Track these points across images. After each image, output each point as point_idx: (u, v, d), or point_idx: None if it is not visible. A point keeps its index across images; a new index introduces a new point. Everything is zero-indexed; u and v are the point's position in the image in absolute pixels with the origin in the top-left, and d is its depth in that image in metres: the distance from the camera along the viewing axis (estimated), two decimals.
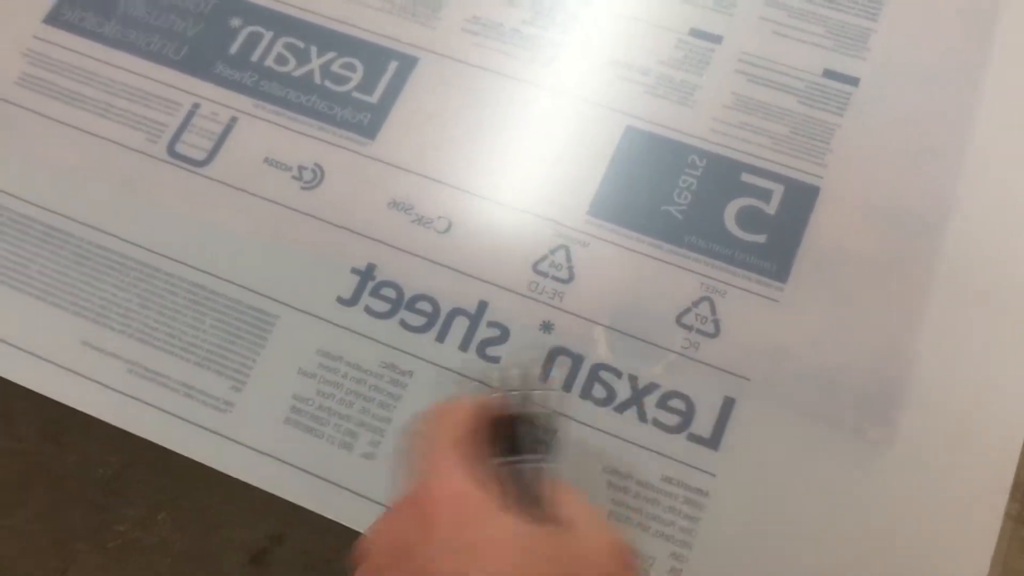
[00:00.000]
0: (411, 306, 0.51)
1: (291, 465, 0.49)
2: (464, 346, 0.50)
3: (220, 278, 0.52)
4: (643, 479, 0.48)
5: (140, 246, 0.53)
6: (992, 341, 0.49)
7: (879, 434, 0.48)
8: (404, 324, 0.51)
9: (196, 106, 0.57)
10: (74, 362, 0.51)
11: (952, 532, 0.46)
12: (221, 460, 0.49)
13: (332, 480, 0.49)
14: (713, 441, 0.48)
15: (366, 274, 0.52)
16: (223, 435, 0.50)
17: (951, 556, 0.45)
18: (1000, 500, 0.47)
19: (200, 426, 0.50)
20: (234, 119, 0.57)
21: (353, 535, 0.86)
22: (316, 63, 0.58)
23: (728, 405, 0.48)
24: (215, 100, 0.57)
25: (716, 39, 0.58)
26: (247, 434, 0.50)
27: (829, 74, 0.56)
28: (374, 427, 0.49)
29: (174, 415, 0.50)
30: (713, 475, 0.48)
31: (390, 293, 0.52)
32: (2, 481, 0.93)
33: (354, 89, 0.57)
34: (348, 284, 0.52)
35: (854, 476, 0.47)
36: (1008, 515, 0.47)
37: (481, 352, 0.50)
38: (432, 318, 0.51)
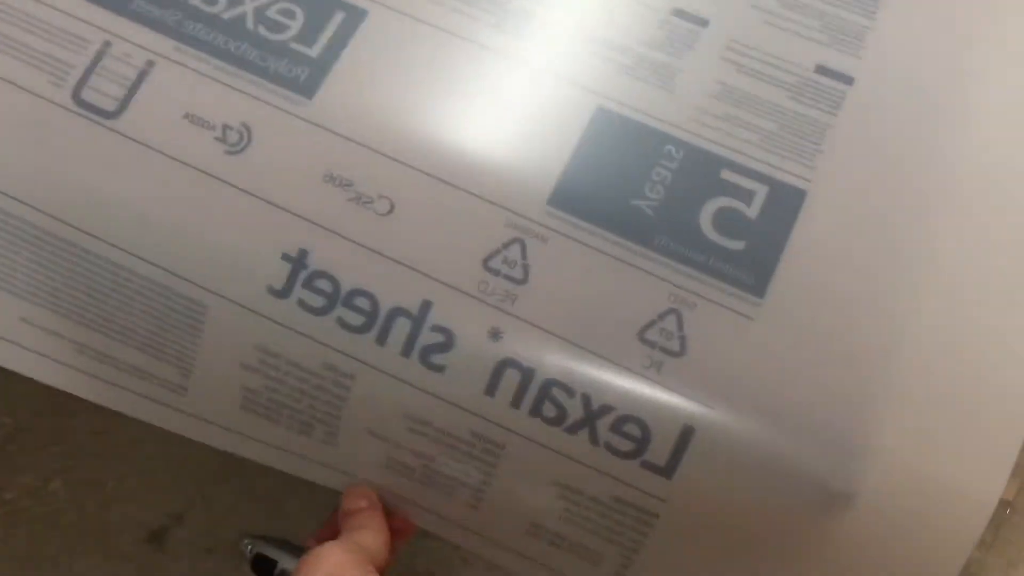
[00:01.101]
0: (348, 302, 0.46)
1: (254, 439, 0.48)
2: (406, 352, 0.45)
3: (139, 257, 0.46)
4: (593, 495, 0.45)
5: (48, 214, 0.47)
6: (972, 380, 0.46)
7: (842, 485, 0.44)
8: (341, 322, 0.46)
9: (107, 45, 0.49)
10: (21, 337, 0.48)
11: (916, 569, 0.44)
12: (183, 428, 0.48)
13: (297, 452, 0.48)
14: (667, 470, 0.44)
15: (298, 261, 0.46)
16: (183, 411, 0.48)
17: None
18: (966, 547, 0.44)
19: (160, 402, 0.48)
20: (151, 63, 0.49)
21: (254, 518, 0.83)
22: (250, 5, 0.51)
23: (687, 435, 0.44)
24: (130, 39, 0.50)
25: (702, 22, 0.52)
26: (207, 411, 0.48)
27: (822, 70, 0.51)
28: (326, 422, 0.47)
29: (134, 392, 0.48)
30: (664, 500, 0.45)
31: (325, 286, 0.46)
32: None
33: (292, 39, 0.50)
34: (279, 272, 0.46)
35: (812, 523, 0.44)
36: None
37: (424, 359, 0.45)
38: (371, 317, 0.46)
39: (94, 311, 0.47)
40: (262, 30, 0.50)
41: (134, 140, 0.48)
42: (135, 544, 0.83)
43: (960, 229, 0.48)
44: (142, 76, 0.49)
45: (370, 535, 0.46)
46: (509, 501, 0.47)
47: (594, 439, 0.45)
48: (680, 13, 0.52)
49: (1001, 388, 0.45)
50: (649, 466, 0.44)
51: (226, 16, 0.50)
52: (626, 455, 0.45)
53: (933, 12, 0.53)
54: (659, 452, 0.44)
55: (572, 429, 0.45)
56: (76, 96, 0.48)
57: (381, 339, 0.45)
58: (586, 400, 0.45)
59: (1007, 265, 0.48)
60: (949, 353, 0.46)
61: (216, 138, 0.48)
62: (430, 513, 0.49)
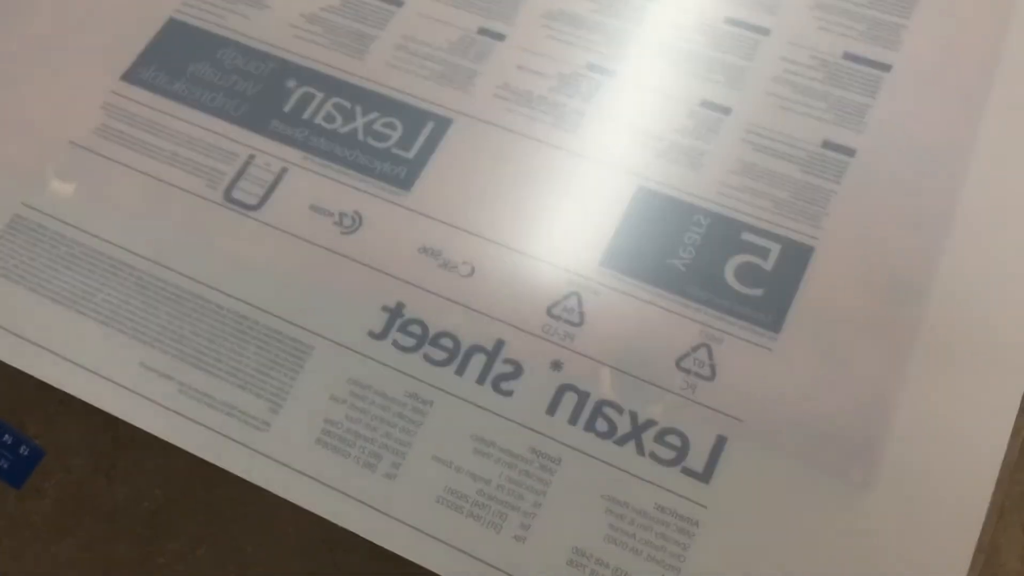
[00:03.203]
0: (435, 342, 0.56)
1: (319, 482, 0.54)
2: (481, 380, 0.55)
3: (263, 310, 0.58)
4: (638, 507, 0.52)
5: (194, 279, 0.59)
6: (968, 397, 0.53)
7: (861, 476, 0.51)
8: (427, 358, 0.56)
9: (252, 157, 0.63)
10: (133, 382, 0.57)
11: (926, 568, 0.50)
12: (257, 474, 0.54)
13: (356, 497, 0.53)
14: (705, 475, 0.52)
15: (395, 312, 0.57)
16: (259, 451, 0.55)
17: None
18: (969, 547, 0.50)
19: (239, 442, 0.55)
20: (284, 169, 0.63)
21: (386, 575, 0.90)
22: (360, 122, 0.64)
23: (720, 443, 0.53)
24: (269, 152, 0.64)
25: (726, 111, 0.63)
26: (282, 452, 0.55)
27: (828, 145, 0.61)
28: (396, 450, 0.54)
29: (218, 432, 0.55)
30: (704, 507, 0.51)
31: (416, 329, 0.57)
32: (53, 510, 0.98)
33: (393, 146, 0.63)
34: (379, 320, 0.57)
35: (837, 514, 0.51)
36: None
37: (496, 386, 0.55)
38: (453, 353, 0.56)
39: (210, 354, 0.57)
40: (370, 140, 0.64)
41: (271, 226, 0.61)
42: None
43: (951, 281, 0.56)
44: (278, 179, 0.63)
45: None
46: (557, 524, 0.52)
47: (640, 449, 0.53)
48: (706, 104, 0.63)
49: (997, 386, 0.53)
50: (689, 472, 0.52)
51: (342, 131, 0.64)
52: (668, 463, 0.53)
53: (930, 88, 0.63)
54: (697, 459, 0.52)
55: (621, 441, 0.53)
56: (227, 195, 0.62)
57: (460, 370, 0.55)
58: (633, 416, 0.54)
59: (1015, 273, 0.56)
60: (949, 362, 0.53)
61: (334, 223, 0.61)
62: (473, 560, 0.51)
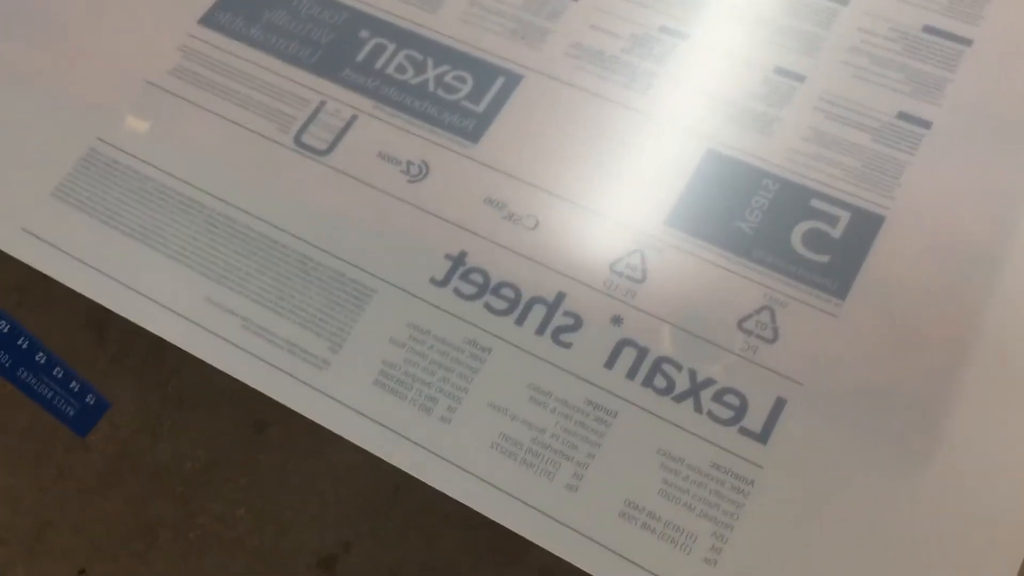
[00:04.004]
0: (496, 291, 0.57)
1: (376, 422, 0.54)
2: (540, 331, 0.55)
3: (328, 252, 0.59)
4: (693, 463, 0.51)
5: (262, 219, 0.60)
6: None
7: (922, 444, 0.51)
8: (488, 307, 0.56)
9: (323, 103, 0.64)
10: (198, 315, 0.58)
11: (984, 539, 0.49)
12: (315, 411, 0.54)
13: (411, 438, 0.54)
14: (763, 436, 0.52)
15: (458, 260, 0.58)
16: (319, 389, 0.55)
17: (982, 561, 0.48)
18: None
19: (299, 379, 0.55)
20: (355, 117, 0.63)
21: (415, 549, 0.91)
22: (431, 74, 0.65)
23: (779, 405, 0.52)
24: (340, 100, 0.64)
25: (800, 78, 0.62)
26: (340, 390, 0.55)
27: (903, 116, 0.60)
28: (452, 395, 0.54)
29: (278, 368, 0.56)
30: (760, 467, 0.51)
31: (478, 278, 0.57)
32: (99, 464, 1.01)
33: (463, 98, 0.63)
34: (441, 267, 0.58)
35: (894, 483, 0.50)
36: None
37: (555, 338, 0.55)
38: (513, 303, 0.56)
39: (273, 292, 0.58)
40: (440, 92, 0.64)
41: (339, 171, 0.61)
42: (307, 569, 0.93)
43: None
44: (347, 126, 0.63)
45: None
46: (610, 475, 0.52)
47: (698, 407, 0.53)
48: (780, 71, 0.63)
49: None
50: (746, 432, 0.52)
51: (413, 82, 0.65)
52: (726, 422, 0.52)
53: (1010, 64, 0.62)
54: (755, 420, 0.52)
55: (679, 398, 0.53)
56: (297, 139, 0.63)
57: (520, 320, 0.56)
58: (692, 374, 0.53)
59: None
60: (1017, 335, 0.52)
61: (401, 171, 0.61)
62: (524, 507, 0.51)
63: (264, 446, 1.00)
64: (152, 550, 0.97)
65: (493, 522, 0.51)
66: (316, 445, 0.97)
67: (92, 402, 0.64)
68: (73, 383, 0.63)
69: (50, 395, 0.62)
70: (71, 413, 0.63)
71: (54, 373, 0.62)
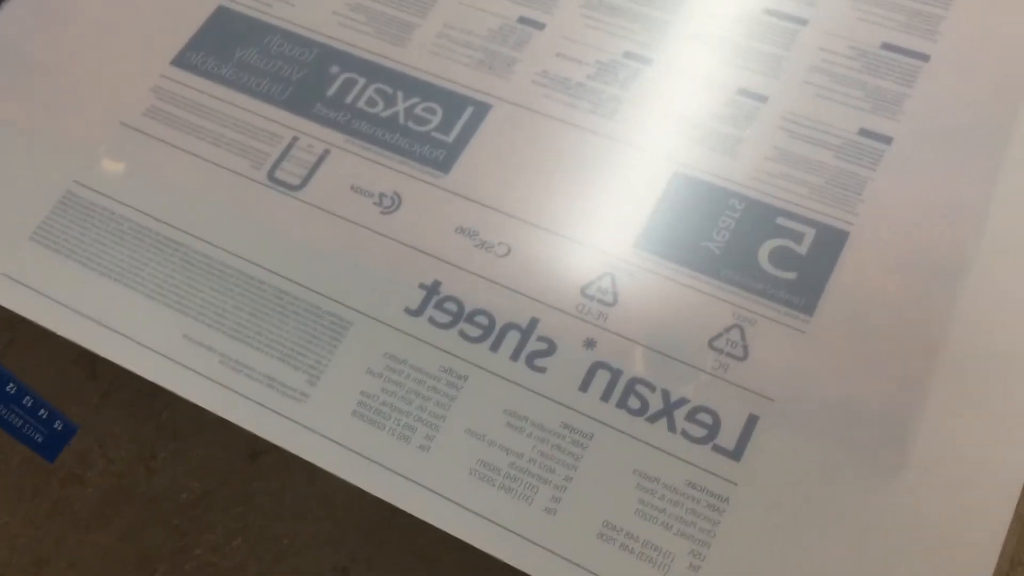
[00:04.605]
0: (470, 319, 0.57)
1: (356, 452, 0.55)
2: (515, 356, 0.56)
3: (303, 286, 0.59)
4: (669, 483, 0.52)
5: (238, 256, 0.61)
6: (1003, 384, 0.53)
7: (892, 457, 0.51)
8: (463, 334, 0.57)
9: (295, 139, 0.65)
10: (176, 352, 0.58)
11: (955, 552, 0.49)
12: (296, 444, 0.55)
13: (391, 468, 0.54)
14: (736, 453, 0.52)
15: (432, 289, 0.58)
16: (298, 422, 0.56)
17: (954, 573, 0.49)
18: (1000, 530, 0.50)
19: (279, 413, 0.56)
20: (327, 151, 0.64)
21: (412, 573, 0.91)
22: (401, 106, 0.66)
23: (752, 422, 0.53)
24: (312, 135, 0.65)
25: (762, 98, 0.63)
26: (319, 423, 0.56)
27: (864, 132, 0.61)
28: (430, 423, 0.55)
29: (257, 402, 0.56)
30: (735, 484, 0.52)
31: (452, 307, 0.58)
32: (94, 498, 1.01)
33: (433, 130, 0.64)
34: (415, 297, 0.58)
35: (867, 497, 0.51)
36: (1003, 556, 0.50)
37: (530, 363, 0.56)
38: (488, 330, 0.57)
39: (251, 327, 0.59)
40: (411, 123, 0.65)
41: (313, 205, 0.62)
42: None
43: (984, 269, 0.56)
44: (320, 160, 0.64)
45: None
46: (588, 497, 0.52)
47: (672, 427, 0.53)
48: (744, 92, 0.64)
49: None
50: (720, 450, 0.53)
51: (383, 115, 0.66)
52: (700, 440, 0.53)
53: (966, 78, 0.63)
54: (728, 437, 0.53)
55: (653, 419, 0.54)
56: (271, 175, 0.64)
57: (495, 347, 0.56)
58: (665, 394, 0.54)
59: None
60: (982, 346, 0.53)
61: (374, 203, 0.62)
62: (504, 531, 0.52)
63: (259, 474, 1.00)
64: None
65: None
66: (311, 471, 0.97)
67: (60, 427, 0.64)
68: (42, 411, 0.64)
69: (20, 424, 0.62)
70: (39, 439, 0.63)
71: (23, 402, 0.62)
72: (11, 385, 0.58)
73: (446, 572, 0.89)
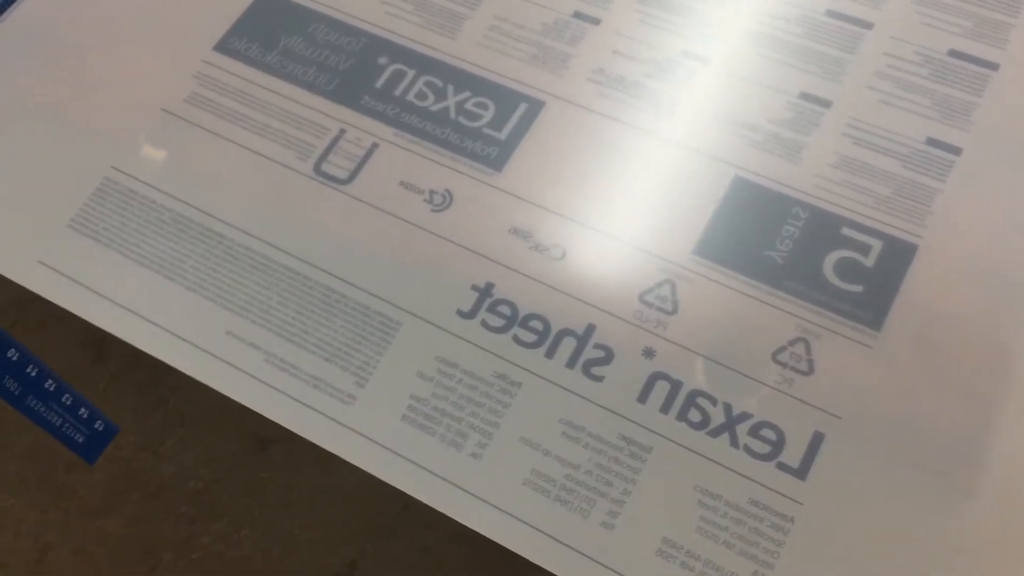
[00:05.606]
0: (524, 323, 0.56)
1: (404, 457, 0.53)
2: (571, 364, 0.54)
3: (351, 284, 0.57)
4: (731, 500, 0.50)
5: (283, 250, 0.59)
6: None
7: (965, 477, 0.50)
8: (517, 339, 0.55)
9: (343, 131, 0.63)
10: (219, 349, 0.56)
11: None
12: (342, 447, 0.53)
13: (441, 475, 0.52)
14: (801, 471, 0.51)
15: (485, 291, 0.57)
16: (345, 424, 0.54)
17: None
18: None
19: (325, 415, 0.54)
20: (375, 145, 0.62)
21: (421, 569, 0.90)
22: (452, 100, 0.64)
23: (818, 439, 0.51)
24: (360, 127, 0.63)
25: (826, 103, 0.62)
26: (366, 426, 0.54)
27: (932, 142, 0.60)
28: (483, 430, 0.53)
29: (303, 403, 0.55)
30: (800, 503, 0.50)
31: (505, 310, 0.56)
32: (101, 486, 0.99)
33: (485, 126, 0.62)
34: (468, 299, 0.56)
35: (937, 518, 0.49)
36: None
37: (586, 371, 0.54)
38: (543, 336, 0.55)
39: (297, 326, 0.57)
40: (462, 119, 0.63)
41: (361, 200, 0.60)
42: None
43: None
44: (368, 154, 0.62)
45: None
46: (647, 513, 0.51)
47: (734, 442, 0.52)
48: (806, 96, 0.62)
49: None
50: (784, 468, 0.51)
51: (434, 109, 0.64)
52: (763, 457, 0.51)
53: None
54: (793, 455, 0.51)
55: (715, 433, 0.52)
56: (317, 168, 0.62)
57: (550, 353, 0.55)
58: (727, 408, 0.52)
59: None
60: None
61: (424, 200, 0.60)
62: (559, 545, 0.50)
63: (267, 464, 0.98)
64: (155, 572, 0.96)
65: None
66: (321, 462, 0.96)
67: (101, 428, 0.63)
68: (82, 410, 0.62)
69: (59, 422, 0.61)
70: (80, 440, 0.62)
71: (63, 400, 0.61)
72: (50, 382, 0.56)
73: (455, 568, 0.88)
